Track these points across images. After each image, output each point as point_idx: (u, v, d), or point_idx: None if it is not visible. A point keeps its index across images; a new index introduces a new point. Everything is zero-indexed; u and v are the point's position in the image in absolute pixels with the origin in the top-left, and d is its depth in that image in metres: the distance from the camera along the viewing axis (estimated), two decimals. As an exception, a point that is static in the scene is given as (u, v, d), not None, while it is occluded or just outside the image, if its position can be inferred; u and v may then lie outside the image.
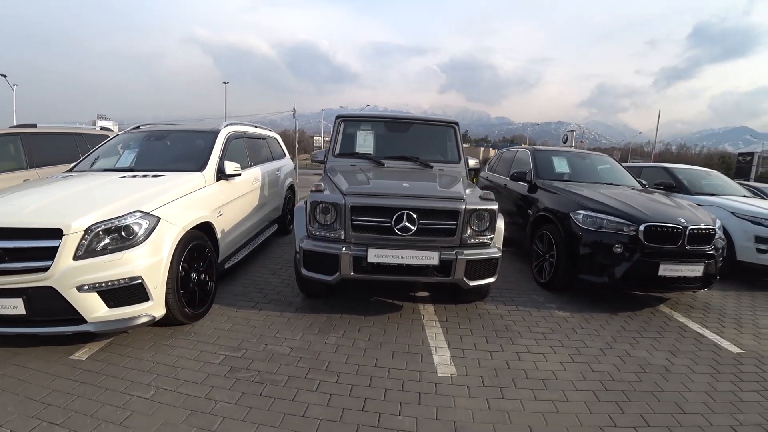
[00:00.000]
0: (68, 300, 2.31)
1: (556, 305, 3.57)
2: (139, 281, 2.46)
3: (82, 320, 2.36)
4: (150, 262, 2.51)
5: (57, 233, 2.28)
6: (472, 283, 2.86)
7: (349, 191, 2.89)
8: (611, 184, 4.71)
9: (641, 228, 3.33)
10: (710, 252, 3.47)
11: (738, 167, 23.86)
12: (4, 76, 26.11)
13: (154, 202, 2.68)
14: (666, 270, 3.32)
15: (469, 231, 2.88)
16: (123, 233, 2.47)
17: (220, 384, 2.24)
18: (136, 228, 2.51)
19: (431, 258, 2.76)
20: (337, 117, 4.28)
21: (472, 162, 4.25)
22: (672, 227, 3.36)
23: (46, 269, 2.26)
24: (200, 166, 3.41)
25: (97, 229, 2.37)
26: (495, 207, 2.93)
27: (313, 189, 2.95)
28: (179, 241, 2.75)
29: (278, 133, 5.99)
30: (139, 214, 2.54)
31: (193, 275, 2.98)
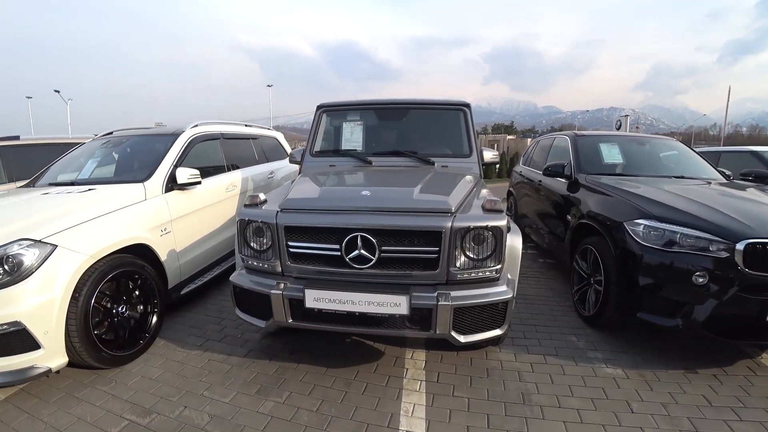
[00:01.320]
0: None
1: (603, 355, 2.57)
2: (22, 327, 1.97)
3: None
4: (37, 302, 2.03)
5: None
6: (465, 339, 2.01)
7: (285, 205, 2.17)
8: (682, 177, 3.50)
9: (739, 247, 2.19)
10: None
11: None
12: (58, 91, 28.86)
13: (53, 226, 2.19)
14: None
15: (461, 260, 2.01)
16: (5, 266, 1.99)
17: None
18: (23, 259, 2.03)
19: (396, 305, 1.94)
20: (318, 107, 3.58)
21: (490, 155, 3.33)
22: None
23: None
24: (144, 176, 2.91)
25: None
26: (502, 223, 2.00)
27: (247, 202, 2.27)
28: (87, 272, 2.24)
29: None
30: (26, 243, 2.06)
31: (122, 309, 2.48)
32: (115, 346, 2.42)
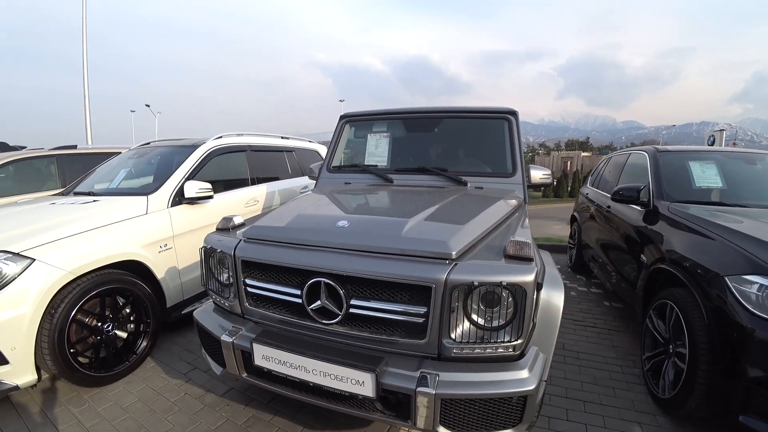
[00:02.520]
0: None
1: (678, 463, 1.81)
2: (-14, 343, 1.92)
3: None
4: (6, 317, 1.97)
5: None
6: None
7: (248, 234, 1.84)
8: None
9: None
10: None
11: None
12: (148, 105, 33.16)
13: (36, 239, 2.16)
14: None
15: (462, 329, 1.47)
16: (-19, 278, 1.98)
17: None
18: (1, 270, 2.00)
19: (359, 383, 1.48)
20: (341, 117, 3.29)
21: (539, 174, 2.71)
22: None
23: None
24: (152, 189, 2.87)
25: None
26: (528, 279, 1.39)
27: (219, 225, 2.01)
28: (66, 288, 2.18)
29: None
30: (4, 255, 2.03)
31: (108, 327, 2.39)
32: (95, 366, 2.33)
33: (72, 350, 2.21)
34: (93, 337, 2.35)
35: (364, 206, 2.30)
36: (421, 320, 1.48)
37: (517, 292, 1.40)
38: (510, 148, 2.75)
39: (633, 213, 3.02)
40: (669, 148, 3.39)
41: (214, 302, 2.00)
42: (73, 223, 2.36)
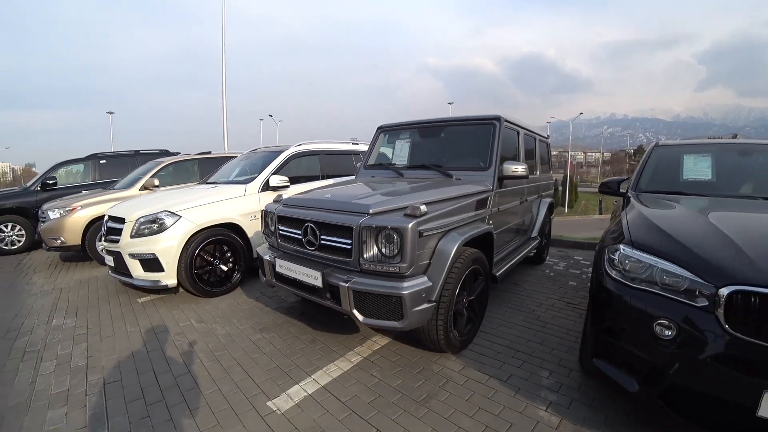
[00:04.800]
0: (125, 261, 3.80)
1: (556, 398, 2.39)
2: (155, 257, 3.70)
3: (131, 276, 3.82)
4: (165, 246, 3.73)
5: (122, 220, 3.84)
6: (364, 320, 2.46)
7: (284, 201, 3.16)
8: None
9: (723, 292, 1.66)
10: None
11: None
12: (271, 115, 39.47)
13: (183, 206, 3.94)
14: None
15: (371, 254, 2.47)
16: (156, 224, 3.79)
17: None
18: (165, 221, 3.80)
19: (315, 278, 2.63)
20: (378, 128, 4.44)
21: (512, 168, 3.30)
22: None
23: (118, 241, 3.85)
24: (248, 180, 4.52)
25: (143, 220, 3.79)
26: (405, 226, 2.32)
27: (274, 199, 3.38)
28: (195, 234, 3.88)
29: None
30: (166, 213, 3.83)
31: (216, 262, 4.05)
32: (207, 284, 3.99)
33: (196, 272, 3.89)
34: (208, 266, 4.02)
35: (356, 188, 3.37)
36: (349, 247, 2.55)
37: (402, 233, 2.35)
38: (490, 148, 3.48)
39: (618, 203, 3.37)
40: (669, 142, 3.56)
41: (267, 242, 3.39)
42: (202, 198, 4.10)
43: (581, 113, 48.23)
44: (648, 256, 1.97)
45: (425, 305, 2.41)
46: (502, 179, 3.38)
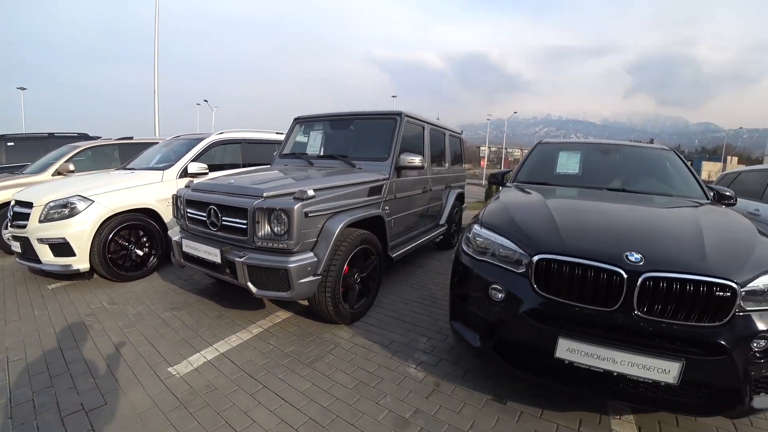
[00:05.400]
0: (33, 246, 3.85)
1: (414, 362, 2.91)
2: (66, 242, 3.79)
3: (39, 261, 3.88)
4: (77, 230, 3.83)
5: (30, 205, 3.87)
6: (257, 292, 2.82)
7: (192, 186, 3.41)
8: (637, 192, 3.26)
9: (534, 260, 2.12)
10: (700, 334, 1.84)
11: None
12: (206, 100, 38.43)
13: (96, 191, 4.03)
14: (572, 352, 1.98)
15: (264, 232, 2.82)
16: (68, 208, 3.86)
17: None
18: (76, 206, 3.88)
19: (215, 255, 2.95)
20: (294, 119, 4.74)
21: (408, 159, 3.76)
22: (598, 268, 1.99)
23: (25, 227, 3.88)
24: (166, 167, 4.65)
25: (53, 204, 3.84)
26: (290, 207, 2.69)
27: (185, 185, 3.60)
28: (108, 219, 4.00)
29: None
30: (78, 197, 3.91)
31: (131, 247, 4.20)
32: (122, 269, 4.13)
33: (109, 256, 4.02)
34: (123, 251, 4.15)
35: (260, 175, 3.63)
36: (245, 227, 2.89)
37: (289, 214, 2.72)
38: (390, 140, 3.93)
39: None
40: (551, 140, 4.23)
41: (178, 225, 3.61)
42: (117, 183, 4.21)
43: (515, 112, 52.68)
44: (491, 234, 2.44)
45: (311, 278, 2.82)
46: (399, 169, 3.84)
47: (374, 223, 3.46)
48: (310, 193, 2.83)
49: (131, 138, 7.09)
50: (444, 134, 5.27)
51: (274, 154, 4.81)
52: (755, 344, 1.82)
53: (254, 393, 2.38)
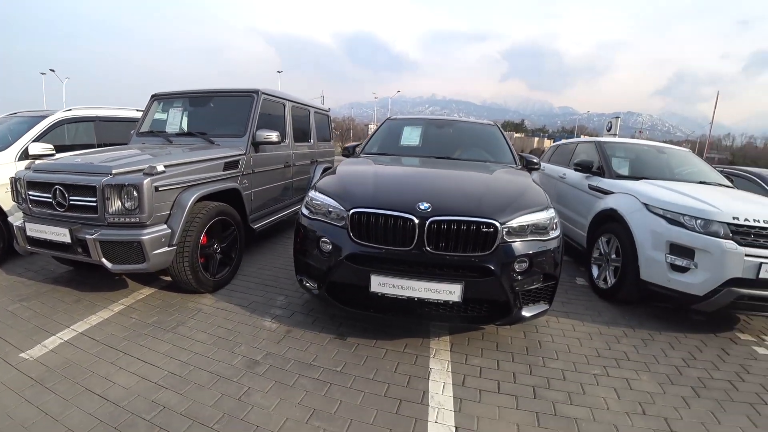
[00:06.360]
0: None
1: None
2: None
3: None
4: None
5: None
6: (113, 267, 2.95)
7: (34, 167, 3.29)
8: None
9: (350, 213, 2.64)
10: (485, 261, 2.52)
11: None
12: (53, 70, 34.18)
13: None
14: (383, 285, 2.53)
15: (115, 208, 2.92)
16: None
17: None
18: None
19: (64, 235, 3.00)
20: (152, 96, 4.67)
21: (268, 135, 4.07)
22: (396, 216, 2.55)
23: None
24: (2, 148, 4.28)
25: None
26: (142, 182, 2.85)
27: (27, 166, 3.42)
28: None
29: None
30: None
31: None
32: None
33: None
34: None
35: (111, 153, 3.62)
36: (95, 204, 2.97)
37: (138, 189, 2.87)
38: (247, 117, 4.16)
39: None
40: (398, 116, 4.86)
41: (20, 209, 3.45)
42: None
43: (398, 91, 56.70)
44: (322, 196, 2.92)
45: (166, 248, 3.05)
46: (257, 145, 4.12)
47: (232, 196, 3.74)
48: (160, 168, 3.01)
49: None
50: (309, 111, 5.60)
51: (132, 132, 4.71)
52: (516, 266, 2.59)
53: (115, 360, 2.60)
